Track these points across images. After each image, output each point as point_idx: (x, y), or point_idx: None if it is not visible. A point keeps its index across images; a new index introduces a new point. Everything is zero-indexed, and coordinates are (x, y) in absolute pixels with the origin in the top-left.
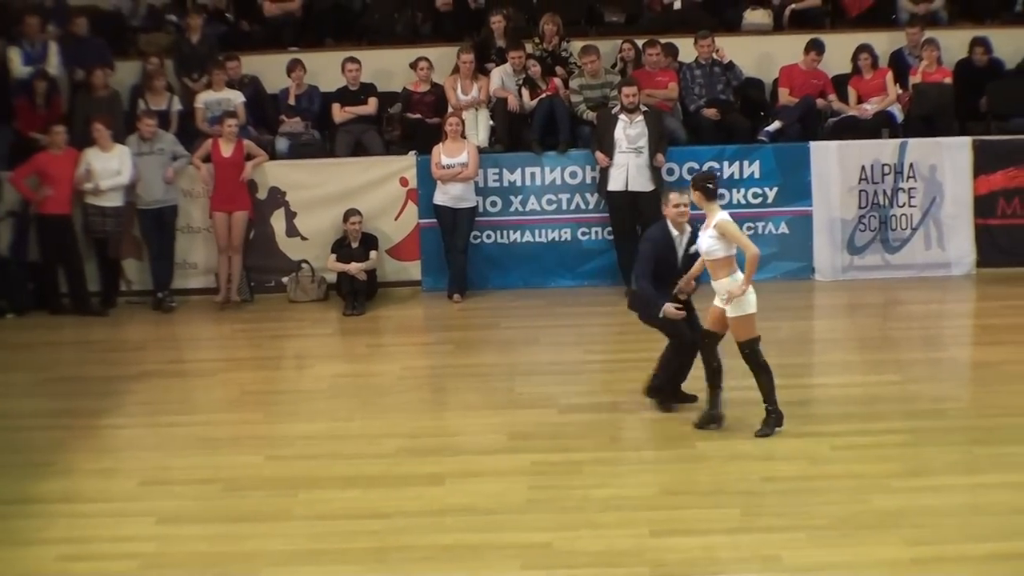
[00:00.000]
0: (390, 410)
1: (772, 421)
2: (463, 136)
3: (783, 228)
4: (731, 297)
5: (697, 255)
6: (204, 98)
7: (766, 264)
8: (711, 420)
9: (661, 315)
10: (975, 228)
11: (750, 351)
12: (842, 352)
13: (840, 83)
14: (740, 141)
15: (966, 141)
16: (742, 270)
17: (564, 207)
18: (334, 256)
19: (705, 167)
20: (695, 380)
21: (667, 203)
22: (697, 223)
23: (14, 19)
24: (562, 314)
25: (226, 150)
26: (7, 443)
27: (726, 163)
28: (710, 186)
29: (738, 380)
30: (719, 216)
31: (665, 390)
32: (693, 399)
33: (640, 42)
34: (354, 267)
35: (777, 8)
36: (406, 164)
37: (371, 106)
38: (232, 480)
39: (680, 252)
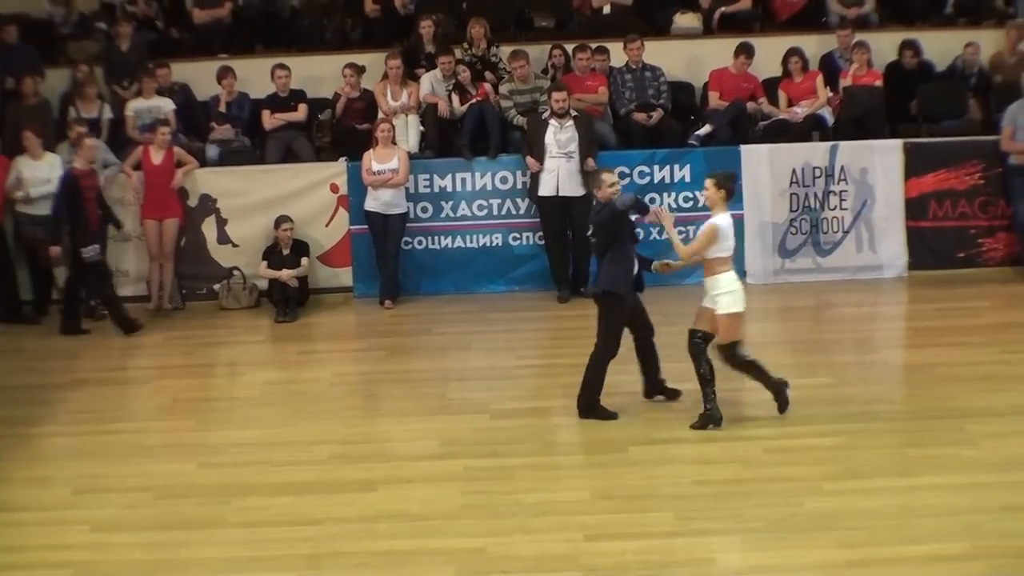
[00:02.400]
0: (322, 417)
1: (783, 402)
2: (393, 142)
3: None
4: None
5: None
6: (134, 106)
7: (697, 268)
8: (709, 420)
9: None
10: (906, 231)
11: (729, 354)
12: (774, 355)
13: (771, 86)
14: (670, 145)
15: (897, 144)
16: (737, 271)
17: (495, 212)
18: (265, 263)
19: (635, 172)
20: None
21: (601, 185)
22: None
23: None
24: (494, 319)
25: (157, 157)
26: None
27: (656, 167)
28: (732, 186)
29: (676, 383)
30: (716, 217)
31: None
32: (676, 394)
33: (570, 47)
34: (285, 274)
35: (707, 12)
36: (337, 170)
37: (301, 112)
38: (165, 488)
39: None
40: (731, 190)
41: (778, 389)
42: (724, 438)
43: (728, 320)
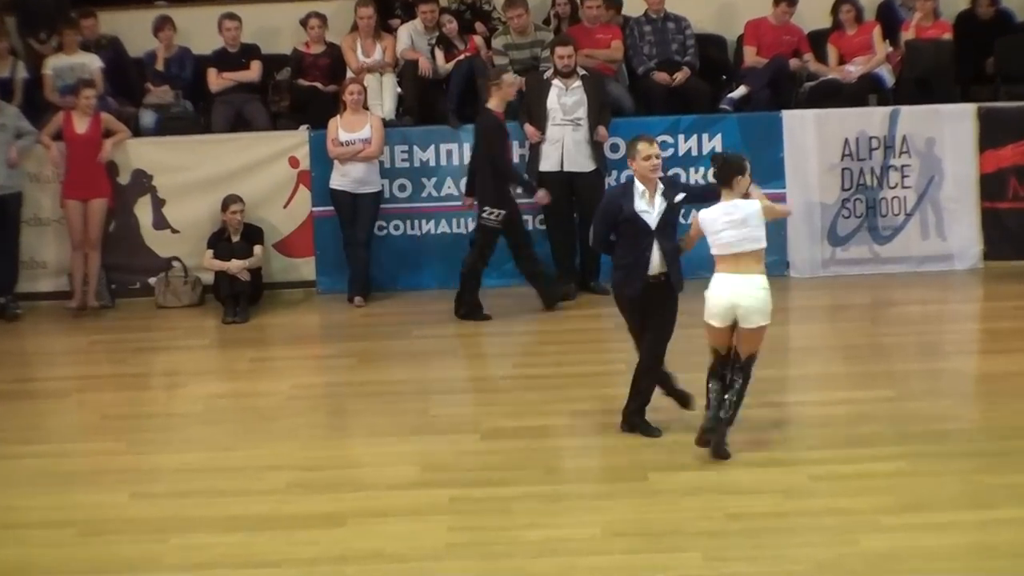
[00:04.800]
0: (279, 437)
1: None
2: (365, 107)
3: None
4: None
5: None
6: (54, 63)
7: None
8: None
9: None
10: (981, 213)
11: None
12: (823, 363)
13: (818, 40)
14: (698, 110)
15: (969, 109)
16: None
17: None
18: (211, 252)
19: (657, 142)
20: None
21: (635, 156)
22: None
23: None
24: (485, 320)
25: (80, 125)
26: None
27: (681, 137)
28: (729, 171)
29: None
30: (756, 201)
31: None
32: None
33: None
34: (235, 265)
35: None
36: (297, 141)
37: (254, 71)
38: (90, 523)
39: (655, 210)
40: (727, 175)
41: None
42: (763, 463)
43: (762, 332)
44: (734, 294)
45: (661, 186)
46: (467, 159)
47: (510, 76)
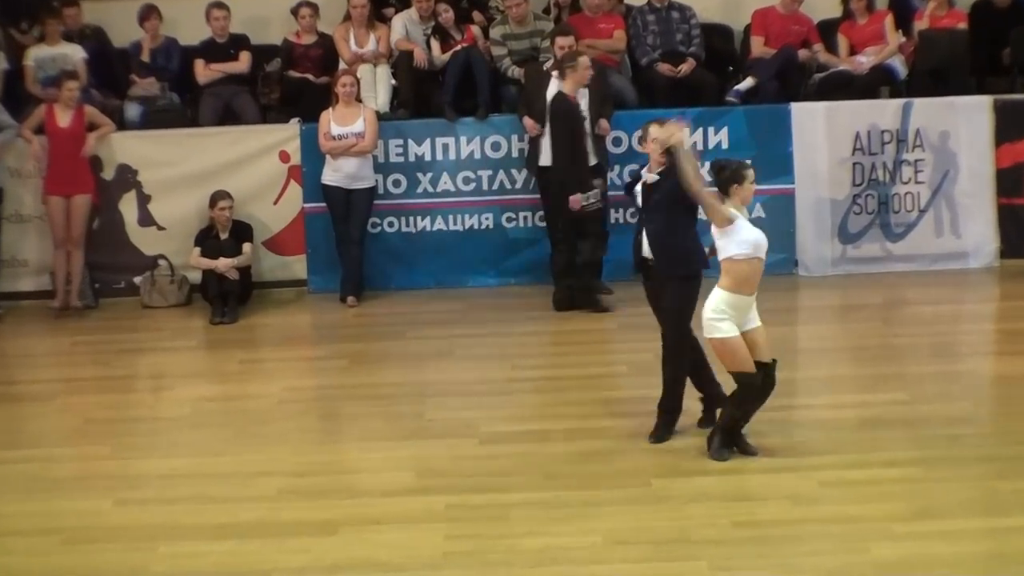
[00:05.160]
0: (270, 442)
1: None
2: (358, 99)
3: (758, 211)
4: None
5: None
6: (36, 54)
7: None
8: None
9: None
10: (997, 209)
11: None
12: (833, 365)
13: (828, 30)
14: (704, 103)
15: (985, 101)
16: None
17: (485, 187)
18: (198, 250)
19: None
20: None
21: (742, 182)
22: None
23: None
24: (483, 321)
25: (63, 119)
26: None
27: (687, 131)
28: (728, 177)
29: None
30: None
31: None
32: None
33: None
34: (223, 263)
35: None
36: (287, 135)
37: (243, 62)
38: (75, 530)
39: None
40: (724, 181)
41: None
42: (770, 469)
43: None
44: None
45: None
46: (464, 154)
47: (585, 59)
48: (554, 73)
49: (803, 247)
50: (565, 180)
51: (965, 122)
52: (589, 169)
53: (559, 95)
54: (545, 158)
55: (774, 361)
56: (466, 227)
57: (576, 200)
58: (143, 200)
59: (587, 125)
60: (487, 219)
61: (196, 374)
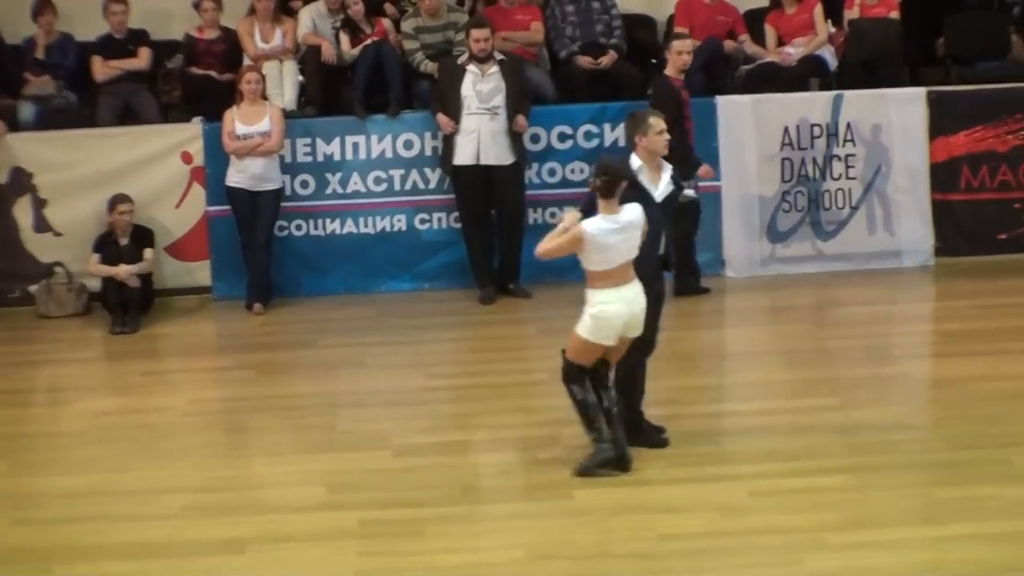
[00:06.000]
0: (174, 457)
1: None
2: (264, 97)
3: None
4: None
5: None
6: None
7: None
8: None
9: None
10: (932, 206)
11: (565, 371)
12: (762, 369)
13: (755, 20)
14: (625, 97)
15: (919, 93)
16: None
17: (397, 187)
18: (97, 256)
19: (580, 132)
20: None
21: (646, 131)
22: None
23: None
24: (396, 327)
25: None
26: None
27: (607, 126)
28: (610, 181)
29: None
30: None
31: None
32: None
33: None
34: (123, 270)
35: None
36: (189, 135)
37: (143, 59)
38: None
39: (659, 190)
40: (607, 185)
41: (609, 456)
42: (697, 479)
43: (575, 339)
44: (631, 305)
45: (668, 167)
46: (375, 153)
47: (679, 42)
48: (469, 66)
49: (730, 247)
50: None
51: (898, 115)
52: (690, 156)
53: (662, 77)
54: (460, 156)
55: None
56: (378, 230)
57: (705, 171)
58: (38, 205)
59: (503, 121)
60: (400, 221)
61: (96, 387)
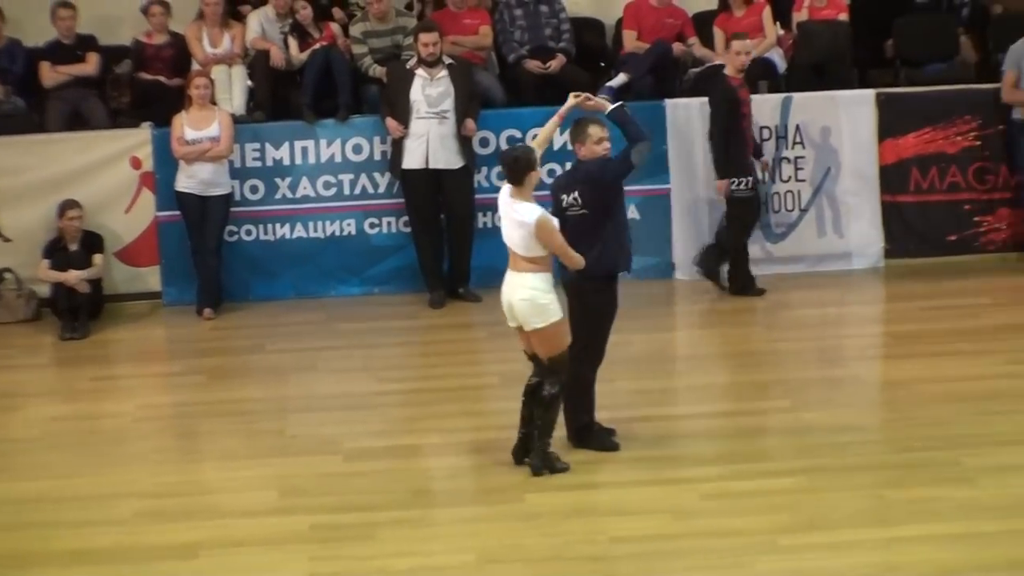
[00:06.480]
0: (126, 462)
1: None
2: (213, 102)
3: (632, 213)
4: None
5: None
6: None
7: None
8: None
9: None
10: (882, 208)
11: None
12: (713, 372)
13: (704, 23)
14: None
15: (868, 95)
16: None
17: (347, 191)
18: (47, 262)
19: (529, 136)
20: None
21: (586, 140)
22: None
23: None
24: (346, 332)
25: None
26: None
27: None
28: (515, 169)
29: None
30: (537, 213)
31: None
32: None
33: None
34: (73, 276)
35: None
36: (138, 140)
37: (91, 64)
38: None
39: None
40: (514, 173)
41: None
42: (648, 482)
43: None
44: (507, 292)
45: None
46: (324, 157)
47: (739, 43)
48: (418, 70)
49: (679, 250)
50: (726, 164)
51: (847, 117)
52: (745, 155)
53: (721, 77)
54: (409, 161)
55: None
56: (327, 234)
57: (723, 185)
58: None
59: (452, 125)
60: (349, 225)
61: (46, 393)
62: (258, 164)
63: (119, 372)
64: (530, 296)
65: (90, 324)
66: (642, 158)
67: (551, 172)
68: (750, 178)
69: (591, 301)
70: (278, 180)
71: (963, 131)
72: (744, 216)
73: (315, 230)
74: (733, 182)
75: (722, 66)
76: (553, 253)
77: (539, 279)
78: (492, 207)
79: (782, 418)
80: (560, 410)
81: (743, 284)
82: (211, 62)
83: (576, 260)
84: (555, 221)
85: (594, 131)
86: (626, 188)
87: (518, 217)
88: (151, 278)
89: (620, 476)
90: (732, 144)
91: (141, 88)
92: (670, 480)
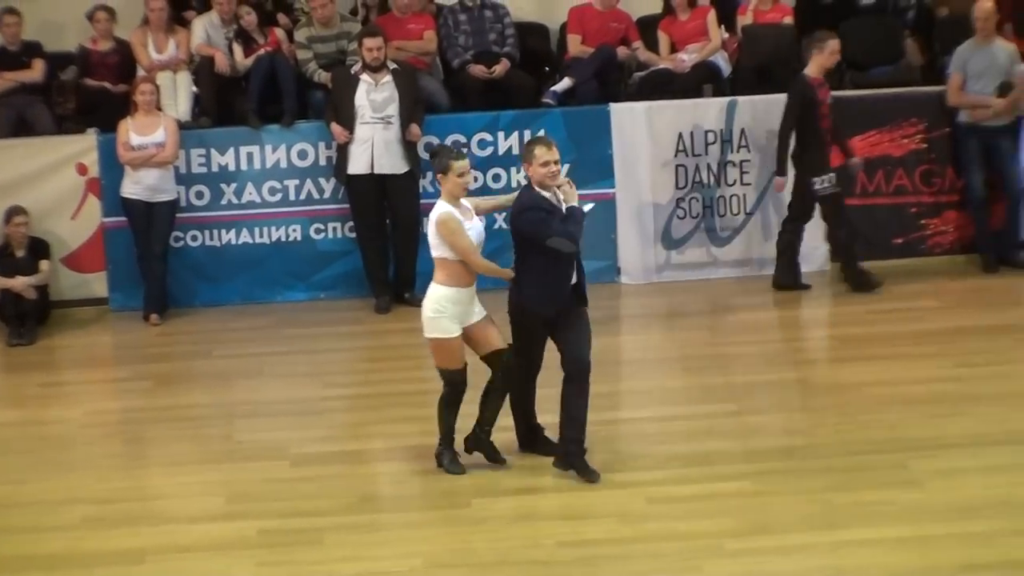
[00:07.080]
0: (72, 468)
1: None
2: (158, 108)
3: None
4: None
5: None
6: None
7: None
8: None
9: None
10: None
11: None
12: (658, 376)
13: (648, 27)
14: (519, 105)
15: None
16: None
17: (292, 197)
18: None
19: (474, 141)
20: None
21: (532, 161)
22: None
23: None
24: (293, 337)
25: None
26: None
27: (502, 134)
28: (440, 163)
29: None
30: (441, 210)
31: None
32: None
33: None
34: (19, 282)
35: None
36: (84, 146)
37: (36, 71)
38: None
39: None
40: (439, 168)
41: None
42: (595, 486)
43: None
44: None
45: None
46: (270, 163)
47: (834, 42)
48: (363, 75)
49: (625, 254)
50: (807, 164)
51: None
52: (823, 153)
53: (801, 76)
54: (354, 166)
55: (510, 345)
56: (273, 239)
57: (780, 183)
58: None
59: (397, 131)
60: (295, 231)
61: None
62: (204, 170)
63: (66, 378)
64: (425, 305)
65: (37, 330)
66: (557, 244)
67: (496, 177)
68: (832, 174)
69: (518, 318)
70: (224, 186)
71: (909, 134)
72: (837, 212)
73: (261, 236)
74: (814, 181)
75: (667, 70)
76: (459, 256)
77: (440, 291)
78: None
79: (729, 422)
80: (446, 413)
81: (861, 281)
82: (156, 68)
83: (481, 266)
84: (465, 224)
85: (540, 152)
86: None
87: (434, 216)
88: (98, 284)
89: (567, 481)
90: (810, 143)
91: (86, 94)
92: (617, 484)
